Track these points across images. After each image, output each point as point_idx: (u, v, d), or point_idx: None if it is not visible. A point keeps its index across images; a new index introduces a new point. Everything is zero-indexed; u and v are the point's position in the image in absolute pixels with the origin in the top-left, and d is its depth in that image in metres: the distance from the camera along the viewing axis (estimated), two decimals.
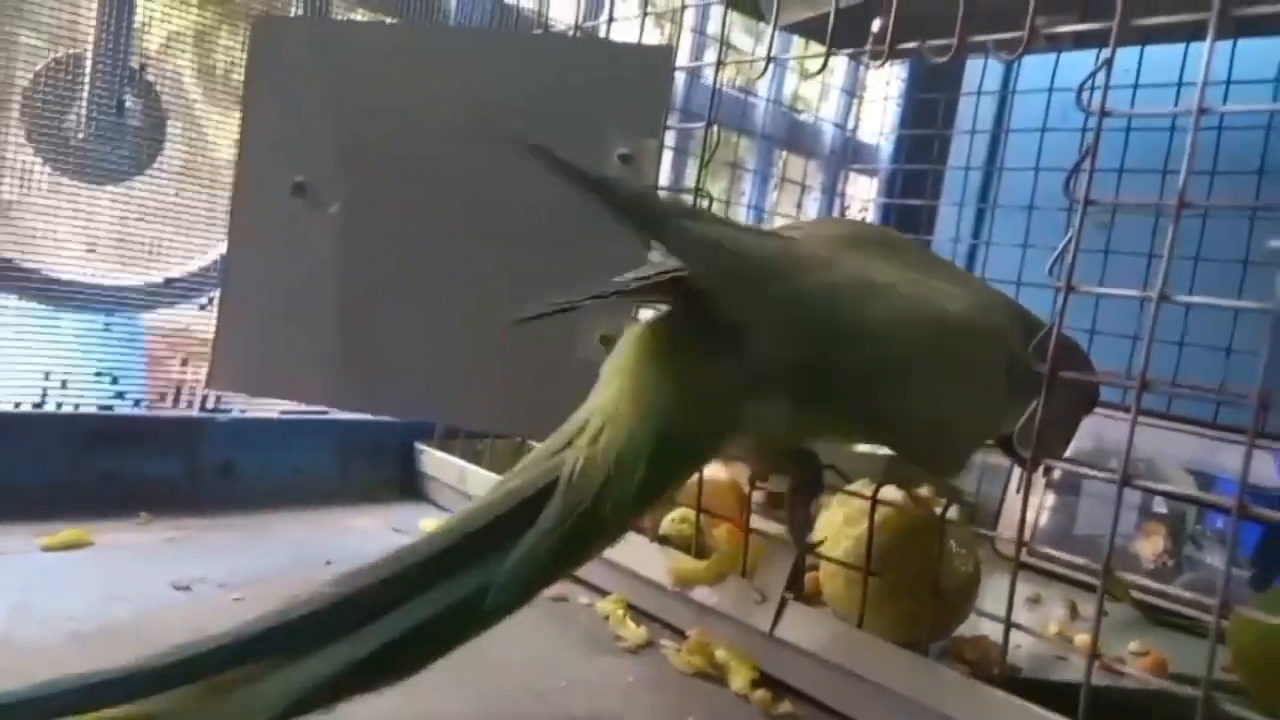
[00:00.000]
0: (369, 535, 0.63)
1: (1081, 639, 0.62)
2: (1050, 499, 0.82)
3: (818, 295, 0.38)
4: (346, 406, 0.62)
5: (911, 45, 0.45)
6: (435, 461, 0.72)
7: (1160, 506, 0.76)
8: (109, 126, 0.61)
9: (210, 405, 0.67)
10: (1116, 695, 0.45)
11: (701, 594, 0.51)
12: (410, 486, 0.74)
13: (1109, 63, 0.37)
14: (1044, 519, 0.82)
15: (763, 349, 0.37)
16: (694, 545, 0.54)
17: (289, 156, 0.61)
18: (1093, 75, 0.37)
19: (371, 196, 0.61)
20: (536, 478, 0.36)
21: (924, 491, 0.57)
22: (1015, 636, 0.42)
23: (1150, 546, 0.76)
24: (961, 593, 0.54)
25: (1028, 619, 0.66)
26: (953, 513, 0.57)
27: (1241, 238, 0.79)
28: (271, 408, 0.69)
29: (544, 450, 0.38)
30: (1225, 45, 0.77)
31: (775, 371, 0.37)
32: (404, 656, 0.33)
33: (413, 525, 0.66)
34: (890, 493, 0.60)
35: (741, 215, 0.98)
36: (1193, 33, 0.35)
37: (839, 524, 0.55)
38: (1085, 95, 0.37)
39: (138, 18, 0.61)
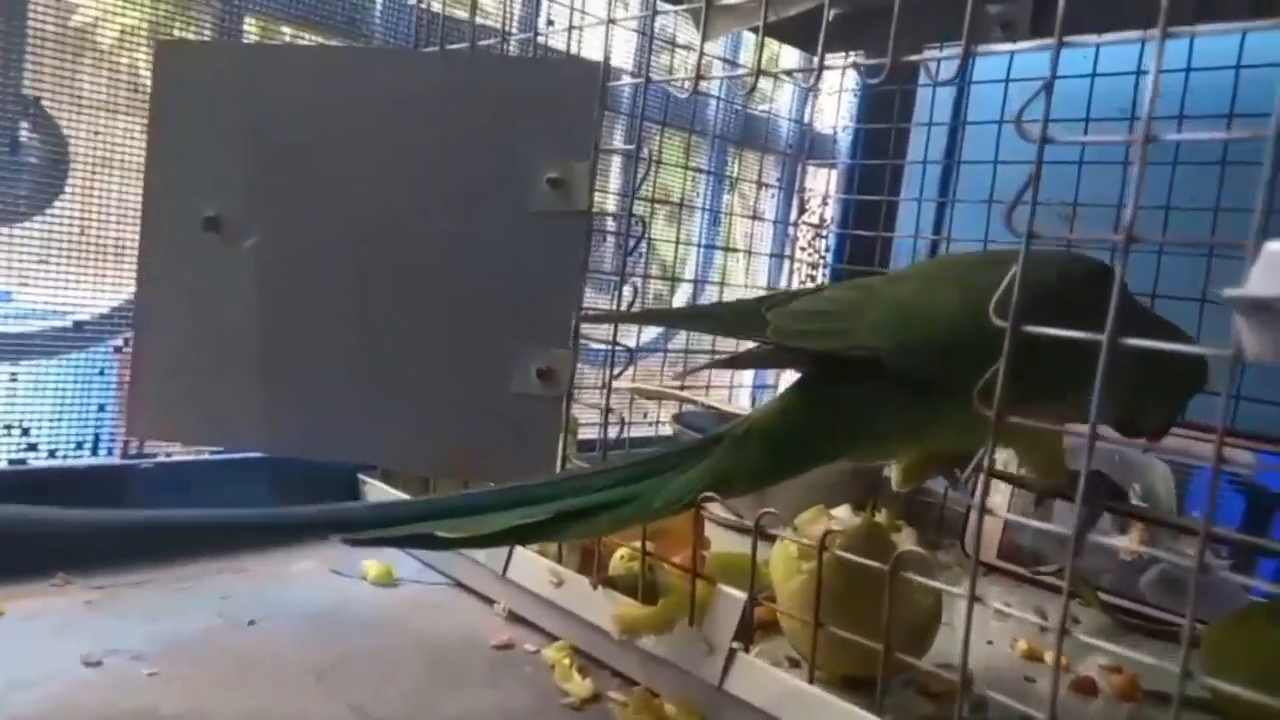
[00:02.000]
0: (306, 581, 0.60)
1: (1051, 656, 0.60)
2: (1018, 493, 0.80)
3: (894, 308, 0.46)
4: (274, 451, 0.59)
5: (846, 63, 0.42)
6: (379, 495, 0.69)
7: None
8: (2, 165, 0.57)
9: (133, 452, 0.63)
10: None
11: (648, 643, 0.48)
12: None
13: (1049, 87, 0.34)
14: (1012, 510, 0.79)
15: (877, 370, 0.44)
16: (640, 588, 0.51)
17: (199, 189, 0.58)
18: (1030, 101, 0.34)
19: (289, 230, 0.58)
20: (711, 435, 0.48)
21: (879, 518, 0.55)
22: (983, 657, 0.40)
23: (1127, 540, 0.74)
24: (921, 629, 0.52)
25: (996, 631, 0.64)
26: (908, 540, 0.55)
27: (1199, 275, 0.77)
28: (201, 450, 0.65)
29: (722, 428, 0.49)
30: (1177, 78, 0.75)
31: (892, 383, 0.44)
32: (592, 520, 0.44)
33: (354, 566, 0.63)
34: (841, 515, 0.58)
35: (697, 218, 0.95)
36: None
37: (792, 557, 0.53)
38: (1026, 122, 0.34)
39: (29, 43, 0.57)
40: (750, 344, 0.50)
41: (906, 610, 0.51)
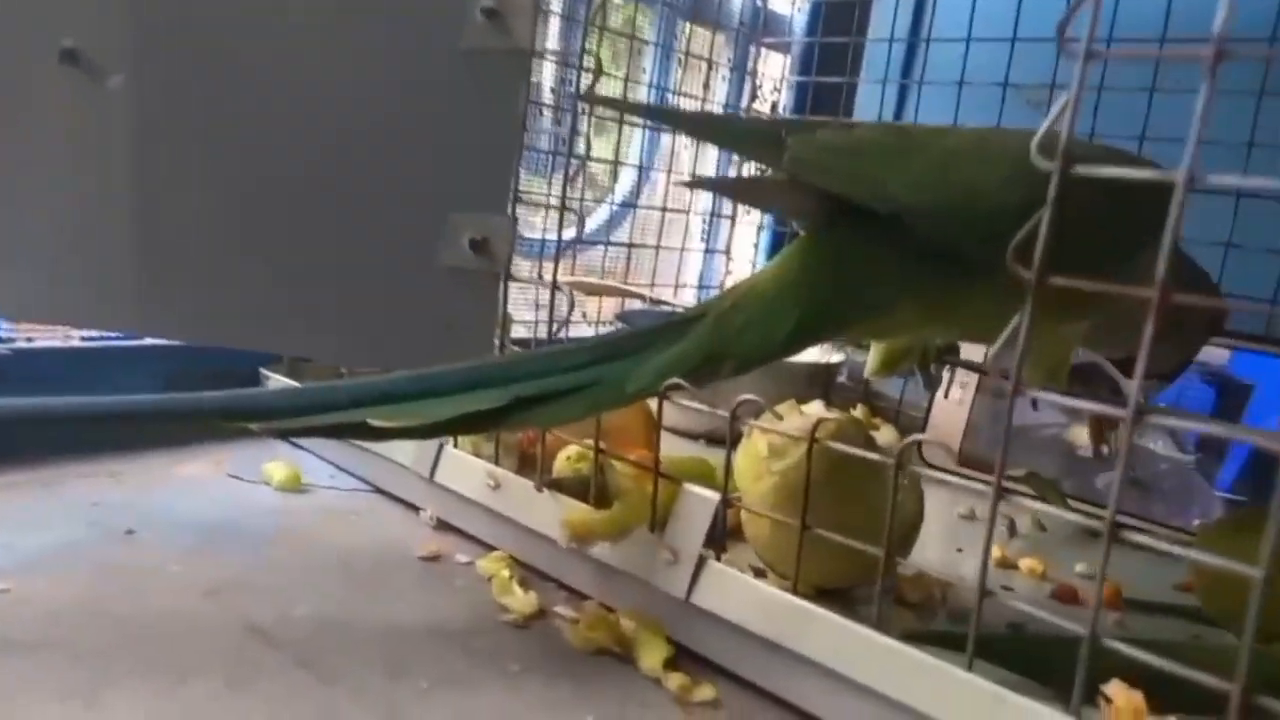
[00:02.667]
0: (195, 486, 0.52)
1: (1027, 563, 0.56)
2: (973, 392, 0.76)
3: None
4: (152, 332, 0.50)
5: None
6: None
7: None
8: None
9: None
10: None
11: (602, 551, 0.42)
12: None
13: None
14: (974, 413, 0.75)
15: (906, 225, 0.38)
16: (592, 489, 0.45)
17: (53, 12, 0.47)
18: (1074, 10, 0.27)
19: (167, 66, 0.48)
20: (692, 312, 0.41)
21: (856, 412, 0.49)
22: (955, 565, 0.34)
23: (1085, 432, 0.70)
24: (904, 535, 0.47)
25: (965, 538, 0.60)
26: (890, 437, 0.50)
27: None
28: (69, 334, 0.56)
29: (704, 302, 0.42)
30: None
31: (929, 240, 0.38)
32: (554, 404, 0.38)
33: (253, 470, 0.55)
34: (814, 411, 0.52)
35: (642, 95, 0.87)
36: None
37: (760, 455, 0.47)
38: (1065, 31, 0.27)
39: None
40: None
41: (881, 509, 0.46)
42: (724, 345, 0.40)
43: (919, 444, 0.76)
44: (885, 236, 0.39)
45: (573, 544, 0.42)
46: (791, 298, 0.41)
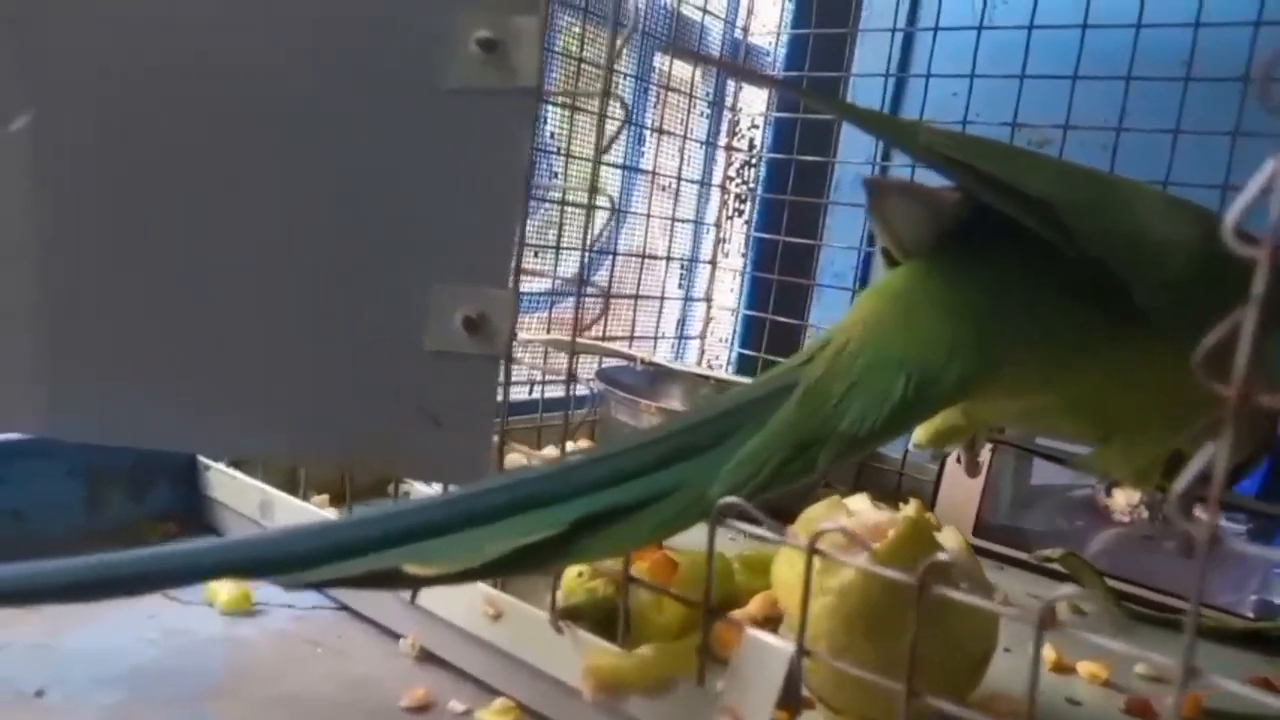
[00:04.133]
0: (125, 614, 0.43)
1: (1087, 668, 0.50)
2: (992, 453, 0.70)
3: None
4: (62, 434, 0.40)
5: None
6: (228, 485, 0.51)
7: None
8: None
9: None
10: None
11: (638, 708, 0.34)
12: (194, 520, 0.53)
13: None
14: (992, 474, 0.69)
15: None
16: (620, 619, 0.37)
17: None
18: None
19: (89, 108, 0.39)
20: (772, 382, 0.34)
21: (909, 509, 0.42)
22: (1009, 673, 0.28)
23: (1124, 495, 0.65)
24: (976, 662, 0.40)
25: (1005, 634, 0.54)
26: (953, 540, 0.43)
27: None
28: None
29: (782, 367, 0.35)
30: None
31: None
32: (624, 525, 0.30)
33: (195, 589, 0.45)
34: (863, 508, 0.45)
35: (612, 126, 0.80)
36: None
37: (800, 579, 0.40)
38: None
39: None
40: None
41: (961, 639, 0.39)
42: (821, 424, 0.32)
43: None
44: (1010, 265, 0.34)
45: (600, 696, 0.34)
46: (901, 347, 0.33)
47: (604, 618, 0.38)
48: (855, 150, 0.86)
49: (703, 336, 0.90)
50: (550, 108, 0.74)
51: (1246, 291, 0.38)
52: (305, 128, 0.39)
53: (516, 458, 0.45)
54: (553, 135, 0.73)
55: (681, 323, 0.90)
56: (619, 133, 0.40)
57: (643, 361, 0.67)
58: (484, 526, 0.30)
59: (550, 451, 0.62)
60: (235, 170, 0.39)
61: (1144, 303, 0.33)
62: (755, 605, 0.47)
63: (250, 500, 0.49)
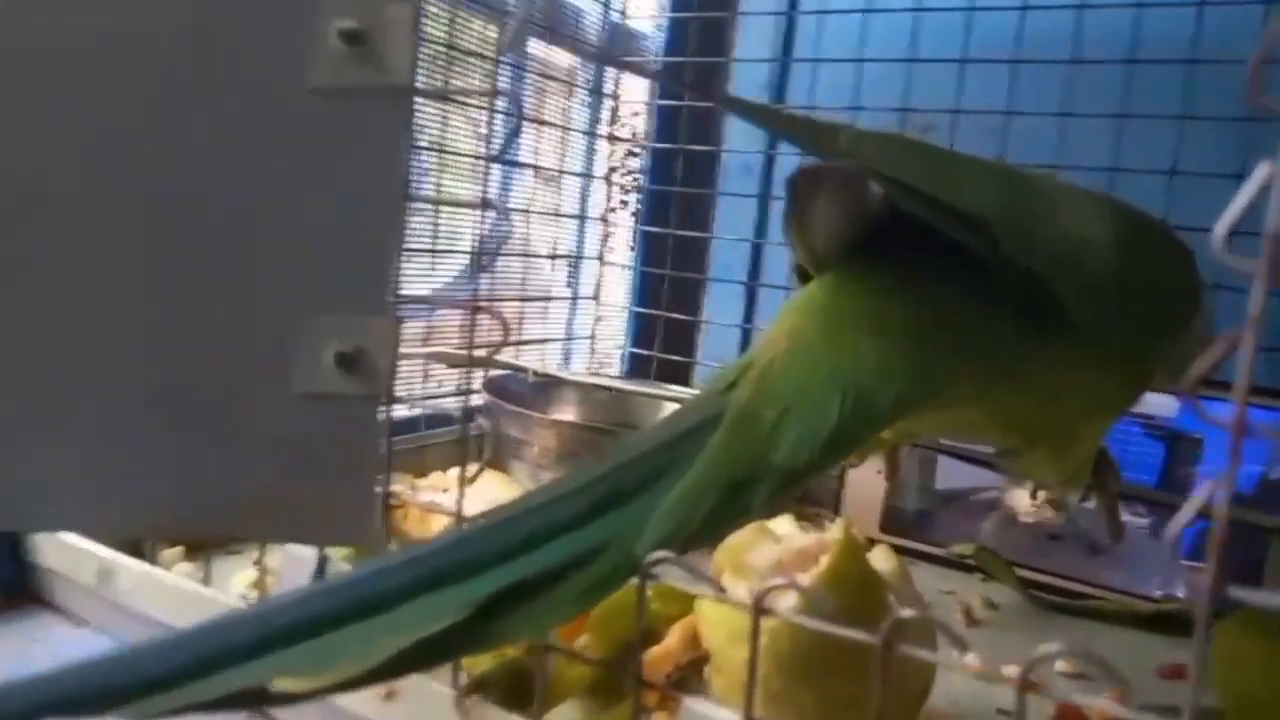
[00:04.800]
0: None
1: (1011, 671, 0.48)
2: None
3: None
4: None
5: None
6: (62, 552, 0.44)
7: None
8: None
9: None
10: None
11: None
12: (20, 591, 0.46)
13: None
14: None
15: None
16: (539, 693, 0.33)
17: None
18: None
19: None
20: (696, 412, 0.30)
21: (834, 526, 0.39)
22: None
23: (1027, 494, 0.65)
24: (915, 702, 0.38)
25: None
26: (885, 562, 0.41)
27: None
28: None
29: (703, 394, 0.32)
30: None
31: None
32: (541, 601, 0.26)
33: (24, 654, 0.39)
34: (791, 533, 0.42)
35: (498, 122, 0.74)
36: None
37: (729, 618, 0.37)
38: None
39: None
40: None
41: (903, 676, 0.37)
42: (754, 458, 0.28)
43: (835, 512, 0.68)
44: (938, 274, 0.32)
45: None
46: (833, 367, 0.30)
47: (516, 685, 0.34)
48: (743, 139, 0.84)
49: (593, 337, 0.86)
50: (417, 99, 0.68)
51: (1162, 288, 0.36)
52: (144, 137, 0.32)
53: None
54: (421, 128, 0.67)
55: (569, 324, 0.86)
56: (513, 137, 0.35)
57: (534, 373, 0.62)
58: (374, 618, 0.25)
59: (437, 480, 0.57)
60: (60, 189, 0.32)
61: (1073, 308, 0.31)
62: (676, 639, 0.44)
63: (86, 568, 0.42)
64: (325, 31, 0.32)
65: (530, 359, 0.80)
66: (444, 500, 0.52)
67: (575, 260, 0.85)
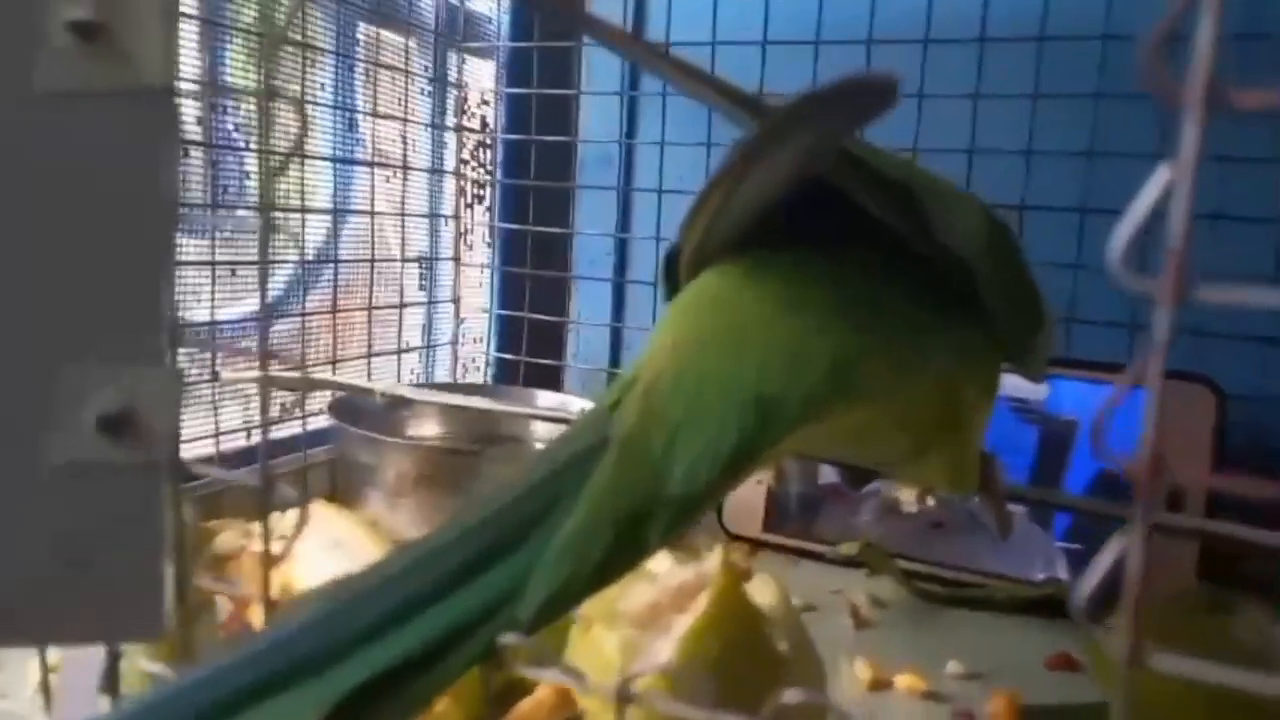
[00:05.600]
0: None
1: (905, 681, 0.46)
2: None
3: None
4: None
5: None
6: None
7: None
8: None
9: None
10: None
11: None
12: None
13: None
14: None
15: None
16: None
17: None
18: None
19: None
20: (577, 440, 0.26)
21: (714, 557, 0.36)
22: None
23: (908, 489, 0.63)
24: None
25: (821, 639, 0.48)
26: (769, 591, 0.37)
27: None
28: None
29: (585, 416, 0.28)
30: None
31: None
32: (413, 687, 0.22)
33: None
34: (667, 570, 0.39)
35: (324, 118, 0.68)
36: None
37: (610, 658, 0.33)
38: None
39: None
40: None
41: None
42: (645, 490, 0.25)
43: (718, 515, 0.66)
44: (842, 262, 0.29)
45: None
46: (731, 374, 0.26)
47: None
48: (600, 127, 0.79)
49: (454, 343, 0.81)
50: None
51: (1030, 282, 0.34)
52: None
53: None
54: (236, 128, 0.60)
55: (428, 330, 0.80)
56: (300, 141, 0.30)
57: (381, 395, 0.56)
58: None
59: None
60: None
61: (987, 295, 0.30)
62: (549, 691, 0.40)
63: None
64: (51, 23, 0.25)
65: (387, 372, 0.75)
66: (279, 549, 0.47)
67: (429, 262, 0.79)
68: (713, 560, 0.36)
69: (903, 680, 0.46)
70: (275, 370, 0.60)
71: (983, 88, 0.62)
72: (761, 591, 0.36)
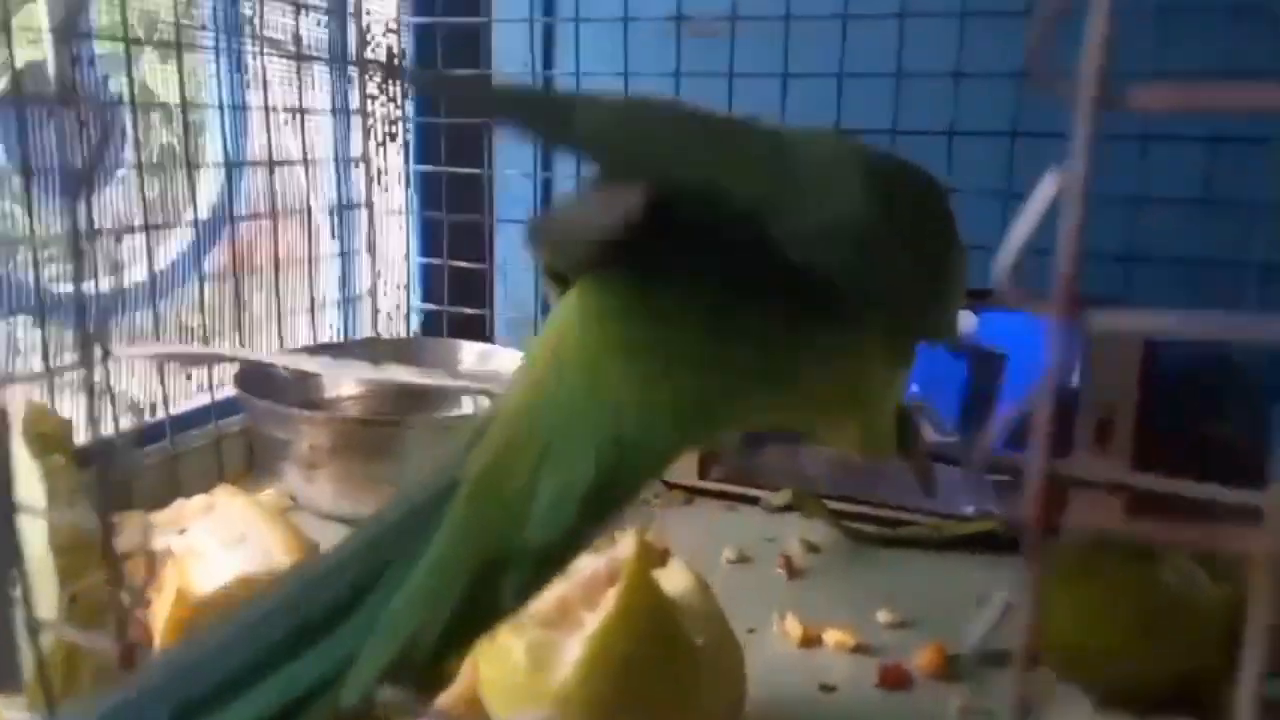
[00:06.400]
0: None
1: (834, 637, 0.46)
2: None
3: None
4: None
5: None
6: None
7: None
8: None
9: None
10: None
11: None
12: None
13: None
14: None
15: None
16: None
17: None
18: None
19: None
20: (430, 484, 0.24)
21: (629, 546, 0.34)
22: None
23: None
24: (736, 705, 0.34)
25: (746, 602, 0.47)
26: (679, 580, 0.36)
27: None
28: None
29: (446, 455, 0.25)
30: None
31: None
32: None
33: None
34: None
35: (205, 60, 0.62)
36: None
37: (518, 665, 0.31)
38: None
39: None
40: None
41: (710, 696, 0.33)
42: (503, 534, 0.23)
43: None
44: (706, 277, 0.26)
45: None
46: (591, 412, 0.25)
47: None
48: (511, 58, 0.74)
49: (373, 294, 0.77)
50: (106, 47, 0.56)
51: (929, 253, 0.32)
52: None
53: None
54: (107, 77, 0.55)
55: (345, 282, 0.76)
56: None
57: (286, 369, 0.53)
58: None
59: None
60: None
61: (851, 293, 0.27)
62: (459, 689, 0.38)
63: None
64: None
65: (301, 331, 0.71)
66: (181, 543, 0.45)
67: (341, 211, 0.75)
68: (625, 546, 0.35)
69: (832, 635, 0.46)
70: (173, 346, 0.56)
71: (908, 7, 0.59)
72: (675, 578, 0.34)
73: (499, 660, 0.32)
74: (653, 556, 0.34)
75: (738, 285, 0.26)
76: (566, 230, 0.27)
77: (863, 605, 0.48)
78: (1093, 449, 0.54)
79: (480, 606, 0.22)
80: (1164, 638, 0.38)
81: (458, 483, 0.23)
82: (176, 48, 0.57)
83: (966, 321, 0.57)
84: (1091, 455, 0.54)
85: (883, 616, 0.48)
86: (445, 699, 0.36)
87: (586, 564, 0.34)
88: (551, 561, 0.23)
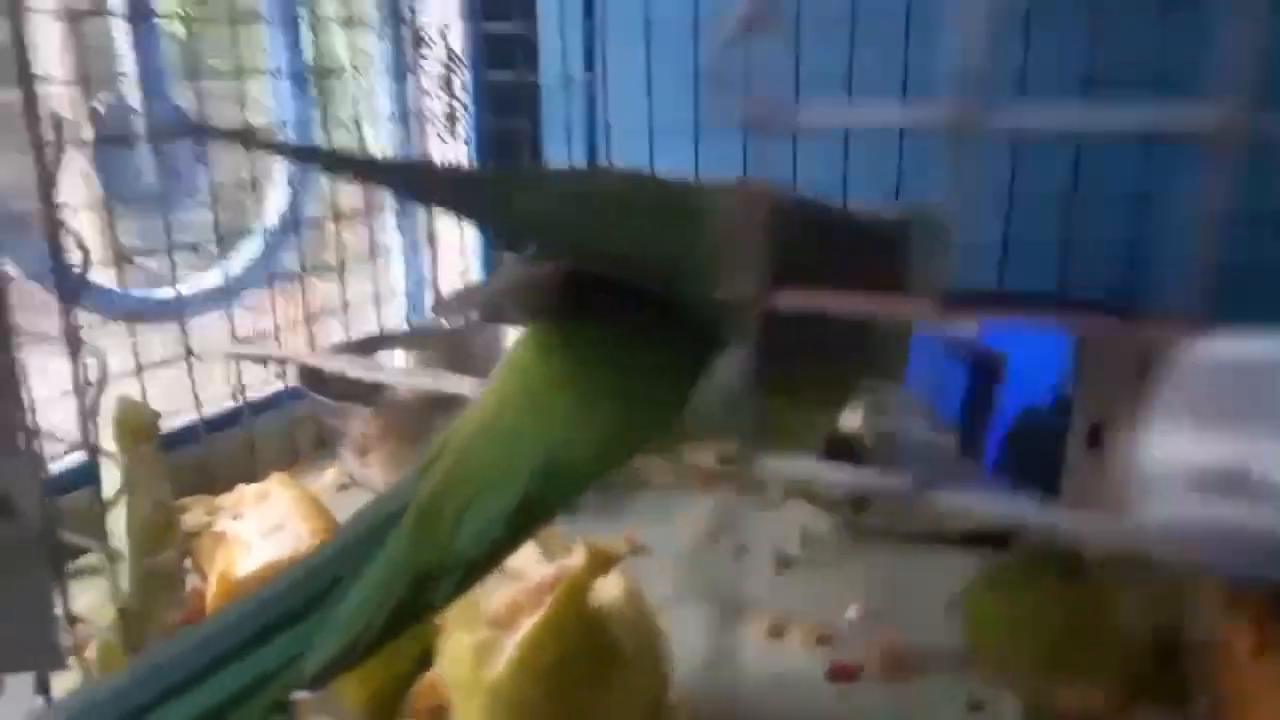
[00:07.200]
0: None
1: (799, 631, 0.50)
2: None
3: None
4: None
5: None
6: None
7: None
8: None
9: None
10: None
11: None
12: None
13: None
14: None
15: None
16: None
17: None
18: None
19: None
20: (383, 507, 0.29)
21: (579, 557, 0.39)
22: None
23: None
24: (655, 706, 0.39)
25: (700, 618, 0.51)
26: (614, 583, 0.41)
27: None
28: None
29: (401, 479, 0.30)
30: None
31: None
32: None
33: None
34: (523, 566, 0.42)
35: (262, 85, 0.69)
36: None
37: (467, 661, 0.37)
38: None
39: None
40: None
41: (632, 699, 0.38)
42: (439, 551, 0.28)
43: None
44: (635, 319, 0.30)
45: None
46: (525, 444, 0.29)
47: None
48: (553, 63, 0.78)
49: (434, 285, 0.84)
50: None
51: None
52: None
53: None
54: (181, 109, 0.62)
55: (409, 273, 0.83)
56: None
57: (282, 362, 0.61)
58: None
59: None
60: None
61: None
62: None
63: None
64: None
65: (368, 322, 0.78)
66: (234, 528, 0.52)
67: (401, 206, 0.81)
68: (576, 556, 0.40)
69: (797, 631, 0.49)
70: (242, 347, 0.64)
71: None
72: (610, 587, 0.39)
73: (455, 656, 0.37)
74: (600, 565, 0.39)
75: (654, 326, 0.30)
76: (492, 296, 0.32)
77: (838, 599, 0.52)
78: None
79: (415, 606, 0.28)
80: (1084, 655, 0.40)
81: (408, 505, 0.29)
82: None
83: (968, 325, 0.59)
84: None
85: (851, 612, 0.51)
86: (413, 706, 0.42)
87: (539, 573, 0.40)
88: (476, 571, 0.28)
